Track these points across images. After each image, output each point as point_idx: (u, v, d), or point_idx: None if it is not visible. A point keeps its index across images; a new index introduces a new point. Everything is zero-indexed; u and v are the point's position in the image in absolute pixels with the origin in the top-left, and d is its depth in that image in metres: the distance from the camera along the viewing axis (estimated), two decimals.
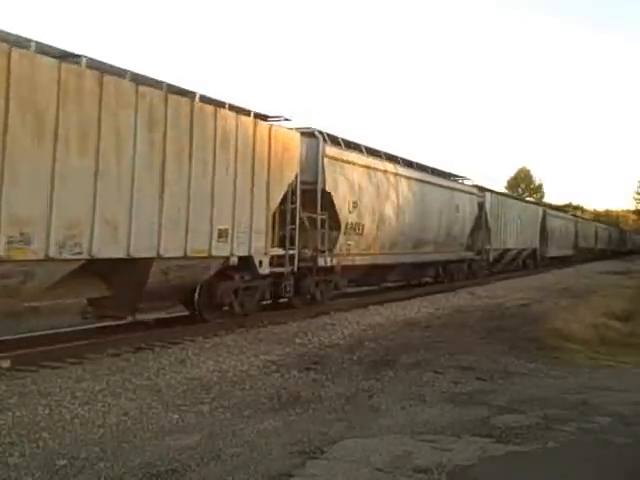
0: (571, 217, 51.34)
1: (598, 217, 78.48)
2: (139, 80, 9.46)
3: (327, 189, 14.53)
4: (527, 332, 12.17)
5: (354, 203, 15.63)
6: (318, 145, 14.42)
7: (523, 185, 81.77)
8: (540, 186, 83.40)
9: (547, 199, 71.77)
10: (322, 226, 14.40)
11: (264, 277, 12.59)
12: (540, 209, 38.65)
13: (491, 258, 27.13)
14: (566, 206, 69.23)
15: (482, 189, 26.69)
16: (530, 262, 35.60)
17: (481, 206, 25.74)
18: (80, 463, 4.94)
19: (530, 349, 10.44)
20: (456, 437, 5.74)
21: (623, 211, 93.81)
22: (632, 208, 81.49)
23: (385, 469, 4.91)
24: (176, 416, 6.31)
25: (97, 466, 4.89)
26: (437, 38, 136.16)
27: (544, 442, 5.67)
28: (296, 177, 13.29)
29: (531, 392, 7.57)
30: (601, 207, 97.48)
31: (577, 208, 78.41)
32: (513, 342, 11.05)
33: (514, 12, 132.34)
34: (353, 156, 16.05)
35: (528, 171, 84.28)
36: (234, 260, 11.41)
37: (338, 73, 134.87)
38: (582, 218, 59.76)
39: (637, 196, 74.43)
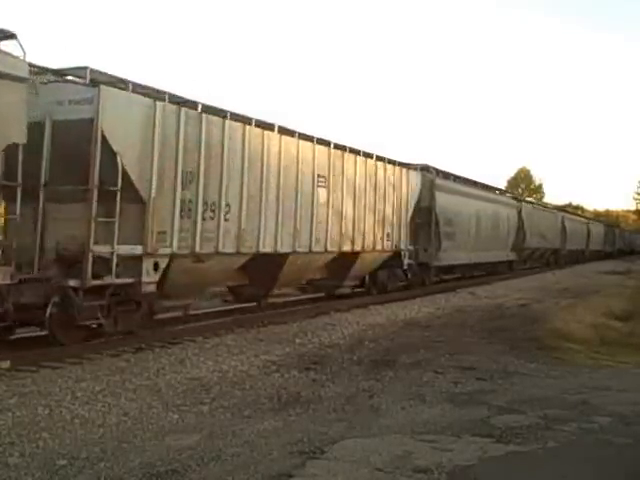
0: (508, 199, 32.96)
1: (598, 217, 77.68)
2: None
3: None
4: (527, 332, 12.19)
5: None
6: None
7: (523, 185, 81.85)
8: (540, 186, 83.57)
9: (547, 199, 71.38)
10: None
11: None
12: (415, 175, 18.93)
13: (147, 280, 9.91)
14: (566, 206, 68.85)
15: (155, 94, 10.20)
16: (387, 277, 18.13)
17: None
18: (80, 463, 4.93)
19: (530, 349, 10.45)
20: (456, 437, 5.74)
21: (623, 211, 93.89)
22: (632, 208, 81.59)
23: (385, 469, 4.91)
24: (176, 416, 6.31)
25: (97, 466, 4.89)
26: (437, 38, 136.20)
27: (544, 442, 5.67)
28: None
29: (531, 392, 7.58)
30: (601, 207, 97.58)
31: (577, 208, 78.40)
32: (513, 342, 11.06)
33: (514, 12, 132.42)
34: None
35: (528, 171, 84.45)
36: None
37: (338, 73, 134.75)
38: (533, 203, 39.76)
39: (637, 196, 74.46)
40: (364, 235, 15.98)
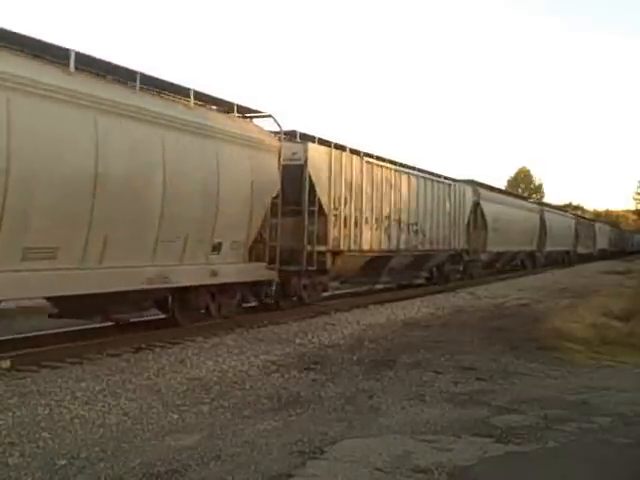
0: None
1: (598, 217, 77.44)
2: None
3: None
4: (527, 332, 12.18)
5: None
6: None
7: (523, 185, 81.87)
8: (540, 186, 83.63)
9: (547, 199, 71.15)
10: None
11: None
12: None
13: None
14: (566, 206, 68.74)
15: None
16: None
17: None
18: (80, 463, 4.93)
19: (530, 349, 10.44)
20: (456, 437, 5.74)
21: (623, 211, 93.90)
22: (632, 208, 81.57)
23: (385, 469, 4.91)
24: (176, 416, 6.30)
25: (97, 466, 4.88)
26: (438, 38, 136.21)
27: (544, 442, 5.67)
28: None
29: (531, 392, 7.58)
30: (601, 207, 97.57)
31: (577, 208, 78.41)
32: (513, 342, 11.05)
33: (514, 12, 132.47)
34: None
35: (528, 171, 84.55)
36: None
37: (338, 72, 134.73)
38: (386, 160, 18.03)
39: (637, 196, 74.44)
40: None
